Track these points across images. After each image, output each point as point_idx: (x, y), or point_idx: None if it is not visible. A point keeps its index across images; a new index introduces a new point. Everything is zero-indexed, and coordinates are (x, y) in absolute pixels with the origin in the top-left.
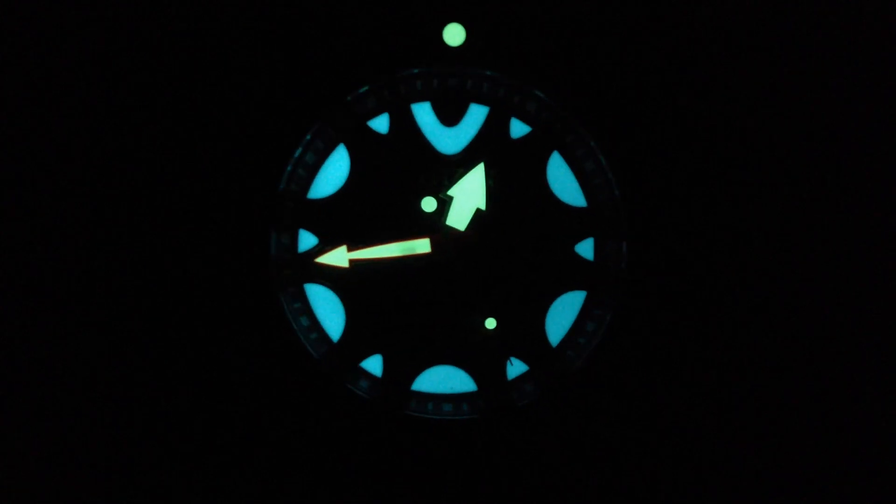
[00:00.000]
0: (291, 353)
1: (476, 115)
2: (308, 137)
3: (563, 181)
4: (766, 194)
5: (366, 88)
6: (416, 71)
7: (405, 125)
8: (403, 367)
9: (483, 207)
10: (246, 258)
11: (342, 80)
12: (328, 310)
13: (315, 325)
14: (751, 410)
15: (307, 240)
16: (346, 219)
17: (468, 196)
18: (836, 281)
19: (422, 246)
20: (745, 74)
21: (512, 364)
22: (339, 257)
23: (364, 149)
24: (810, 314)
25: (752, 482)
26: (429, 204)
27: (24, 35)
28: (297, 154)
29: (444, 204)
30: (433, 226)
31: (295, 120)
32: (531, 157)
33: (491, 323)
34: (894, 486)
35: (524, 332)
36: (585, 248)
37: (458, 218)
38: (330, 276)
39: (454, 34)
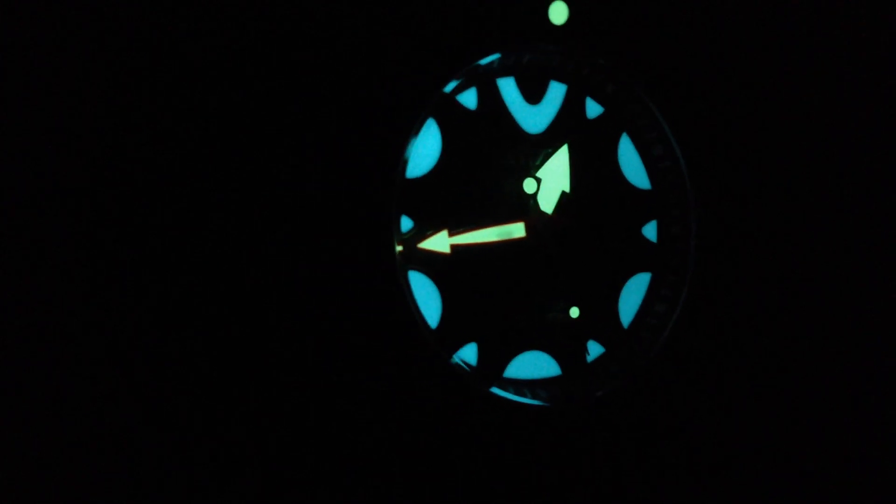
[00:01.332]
0: (408, 331)
1: (556, 93)
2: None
3: (631, 163)
4: (833, 190)
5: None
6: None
7: (492, 101)
8: (496, 355)
9: (567, 190)
10: (370, 243)
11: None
12: (425, 297)
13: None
14: (830, 397)
15: (404, 223)
16: (443, 200)
17: (554, 178)
18: None
19: (517, 230)
20: (824, 76)
21: (588, 353)
22: (440, 242)
23: (454, 125)
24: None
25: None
26: (530, 185)
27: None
28: (411, 139)
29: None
30: (523, 208)
31: (409, 106)
32: (604, 137)
33: (575, 312)
34: None
35: (600, 315)
36: (650, 231)
37: (547, 201)
38: (430, 263)
39: (559, 12)
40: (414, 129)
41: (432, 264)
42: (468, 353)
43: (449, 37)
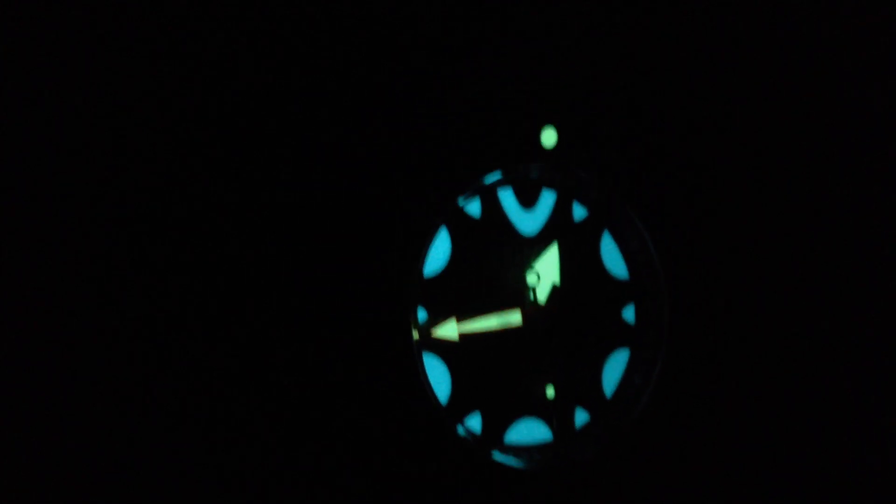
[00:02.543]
0: (420, 407)
1: (547, 199)
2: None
3: (611, 256)
4: (790, 272)
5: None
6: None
7: (493, 209)
8: (497, 423)
9: (558, 283)
10: (392, 330)
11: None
12: (437, 376)
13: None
14: (805, 452)
15: (419, 314)
16: (452, 294)
17: (546, 273)
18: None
19: (515, 318)
20: (776, 169)
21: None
22: (450, 330)
23: (462, 231)
24: (859, 371)
25: None
26: (532, 278)
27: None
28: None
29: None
30: (520, 299)
31: (425, 216)
32: (588, 236)
33: (550, 391)
34: None
35: (585, 386)
36: (629, 313)
37: (541, 293)
38: (442, 348)
39: (549, 137)
40: (429, 236)
41: (444, 349)
42: (474, 422)
43: (458, 158)
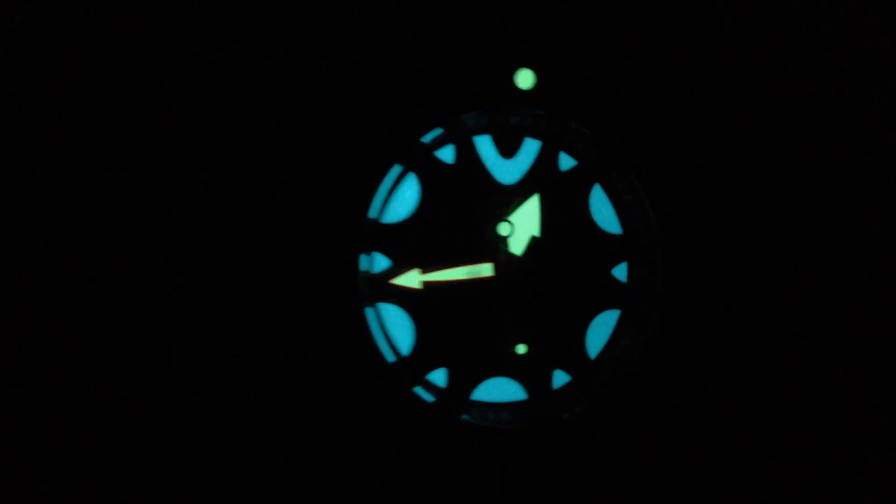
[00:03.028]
0: (371, 362)
1: (530, 149)
2: (396, 168)
3: (602, 210)
4: (786, 227)
5: (441, 132)
6: (489, 110)
7: (469, 157)
8: (465, 379)
9: (538, 235)
10: (336, 276)
11: (417, 121)
12: (398, 326)
13: (387, 341)
14: (782, 423)
15: (381, 262)
16: (418, 243)
17: (525, 224)
18: (873, 309)
19: (486, 270)
20: (773, 126)
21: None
22: (412, 279)
23: (432, 178)
24: (840, 335)
25: (792, 488)
26: (504, 228)
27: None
28: (381, 186)
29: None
30: (494, 251)
31: (381, 155)
32: (576, 188)
33: (522, 348)
34: None
35: (567, 347)
36: (620, 272)
37: (517, 244)
38: (403, 296)
39: (525, 78)
40: (382, 177)
41: (406, 298)
42: (439, 377)
43: (418, 97)
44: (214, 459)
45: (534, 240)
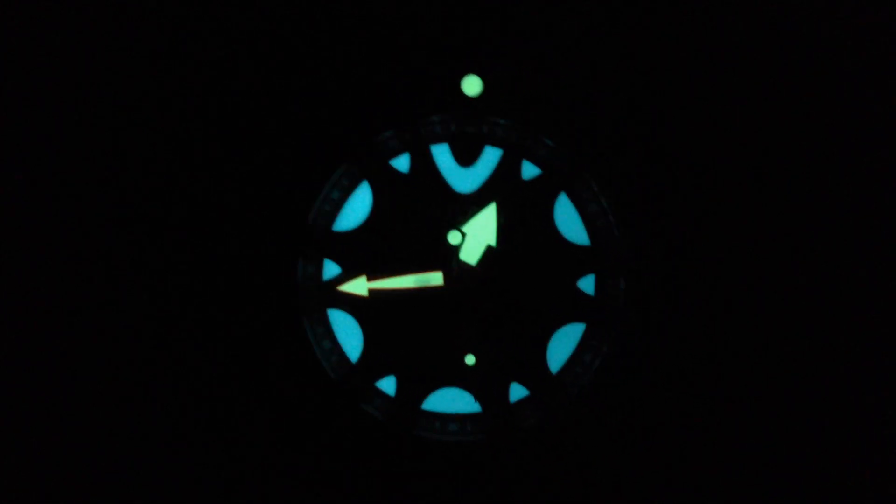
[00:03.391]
0: (311, 374)
1: (490, 157)
2: (339, 173)
3: (568, 220)
4: (758, 238)
5: (391, 133)
6: (436, 118)
7: (424, 165)
8: (414, 388)
9: (494, 244)
10: (274, 284)
11: (368, 124)
12: (349, 333)
13: (336, 347)
14: (747, 439)
15: (332, 269)
16: (368, 250)
17: (480, 233)
18: (829, 309)
19: (435, 279)
20: (745, 132)
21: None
22: (358, 286)
23: (386, 186)
24: (812, 360)
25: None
26: (454, 237)
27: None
28: (324, 191)
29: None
30: (447, 260)
31: (323, 159)
32: (540, 197)
33: (470, 359)
34: None
35: (526, 360)
36: (587, 284)
37: (471, 253)
38: (350, 303)
39: (472, 85)
40: (323, 182)
41: (353, 305)
42: (388, 385)
43: (367, 105)
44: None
45: (489, 249)
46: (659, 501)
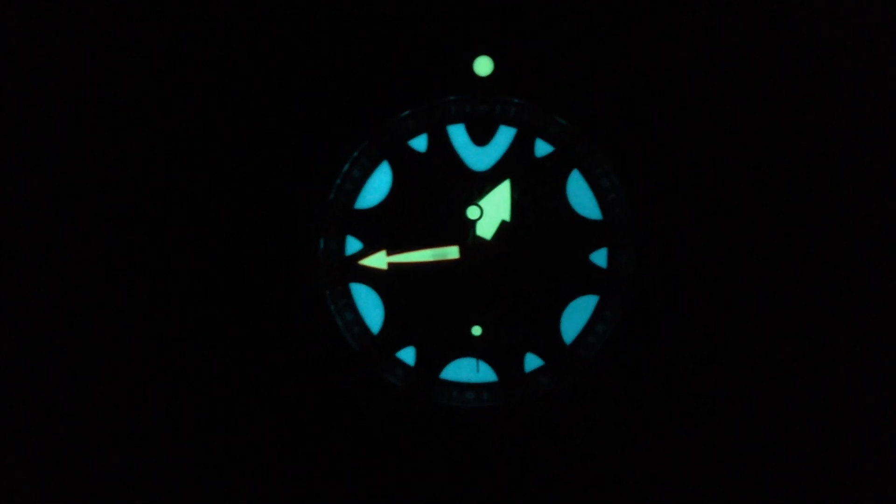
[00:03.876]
0: (333, 345)
1: (504, 136)
2: (355, 154)
3: (581, 196)
4: (764, 212)
5: (407, 113)
6: (451, 98)
7: (441, 145)
8: (433, 358)
9: (508, 219)
10: (297, 260)
11: (386, 105)
12: (371, 307)
13: (358, 318)
14: (759, 410)
15: (354, 245)
16: (388, 227)
17: (495, 209)
18: (834, 285)
19: (451, 253)
20: (753, 108)
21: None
22: (378, 260)
23: (404, 165)
24: (810, 323)
25: (751, 473)
26: (473, 212)
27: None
28: (344, 169)
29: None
30: (463, 235)
31: (344, 139)
32: (553, 173)
33: (477, 330)
34: None
35: (540, 331)
36: (600, 257)
37: (486, 229)
38: (371, 277)
39: (483, 66)
40: (341, 163)
41: (374, 279)
42: (407, 355)
43: (384, 86)
44: (173, 456)
45: (503, 224)
46: (668, 464)
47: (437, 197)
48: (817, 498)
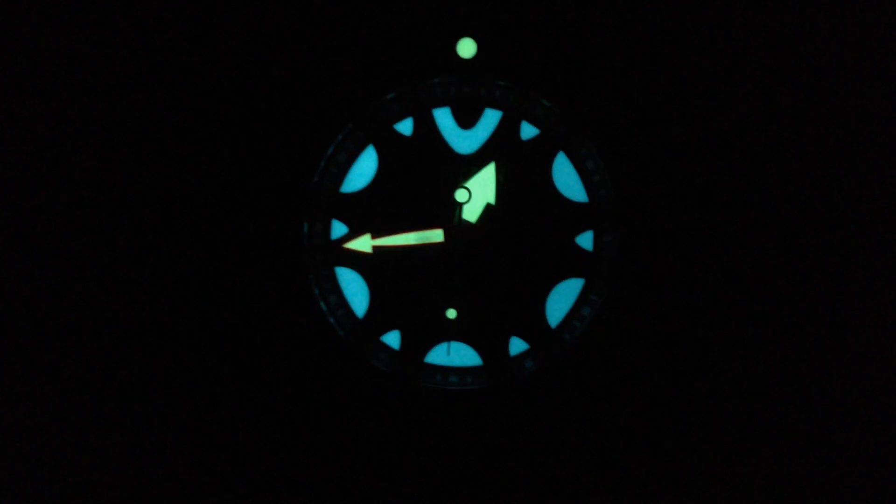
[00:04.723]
0: (318, 329)
1: (490, 119)
2: (340, 137)
3: (566, 178)
4: (748, 195)
5: (392, 95)
6: (436, 80)
7: (427, 128)
8: (418, 342)
9: (493, 202)
10: (281, 243)
11: (369, 87)
12: (355, 290)
13: (343, 302)
14: (742, 396)
15: (339, 228)
16: (373, 210)
17: (480, 192)
18: (816, 269)
19: (436, 236)
20: (736, 93)
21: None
22: (363, 244)
23: (390, 149)
24: (792, 307)
25: (732, 456)
26: (461, 195)
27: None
28: (329, 152)
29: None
30: (449, 218)
31: (328, 123)
32: (538, 156)
33: (452, 313)
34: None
35: (526, 314)
36: (585, 240)
37: (471, 211)
38: (356, 260)
39: (467, 47)
40: (330, 143)
41: (359, 262)
42: (392, 339)
43: (368, 69)
44: (155, 442)
45: (489, 207)
46: (651, 447)
47: (422, 180)
48: (796, 480)
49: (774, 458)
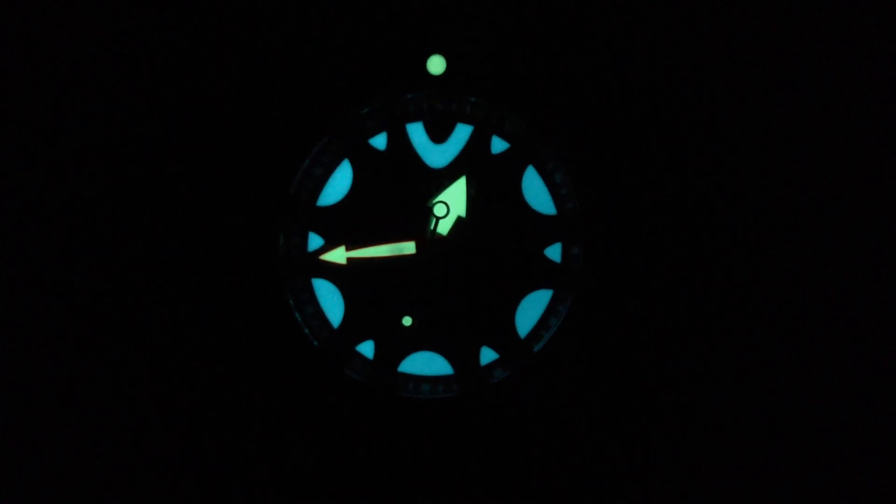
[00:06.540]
0: (293, 339)
1: (462, 134)
2: (315, 150)
3: (536, 192)
4: (714, 207)
5: (367, 110)
6: (409, 96)
7: (400, 142)
8: (392, 351)
9: (464, 215)
10: (257, 255)
11: (343, 101)
12: (331, 301)
13: (319, 313)
14: (710, 404)
15: (316, 241)
16: (349, 223)
17: (452, 205)
18: (785, 276)
19: (408, 248)
20: (705, 101)
21: None
22: (338, 255)
23: (365, 163)
24: (761, 317)
25: (701, 458)
26: (440, 209)
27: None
28: (305, 165)
29: (430, 212)
30: (421, 230)
31: (304, 136)
32: (508, 170)
33: (407, 321)
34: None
35: (496, 325)
36: (554, 252)
37: (442, 224)
38: (332, 272)
39: (436, 64)
40: (301, 160)
41: (334, 274)
42: (366, 349)
43: (341, 84)
44: (133, 450)
45: (459, 220)
46: (618, 452)
47: (395, 194)
48: (772, 478)
49: (746, 462)
